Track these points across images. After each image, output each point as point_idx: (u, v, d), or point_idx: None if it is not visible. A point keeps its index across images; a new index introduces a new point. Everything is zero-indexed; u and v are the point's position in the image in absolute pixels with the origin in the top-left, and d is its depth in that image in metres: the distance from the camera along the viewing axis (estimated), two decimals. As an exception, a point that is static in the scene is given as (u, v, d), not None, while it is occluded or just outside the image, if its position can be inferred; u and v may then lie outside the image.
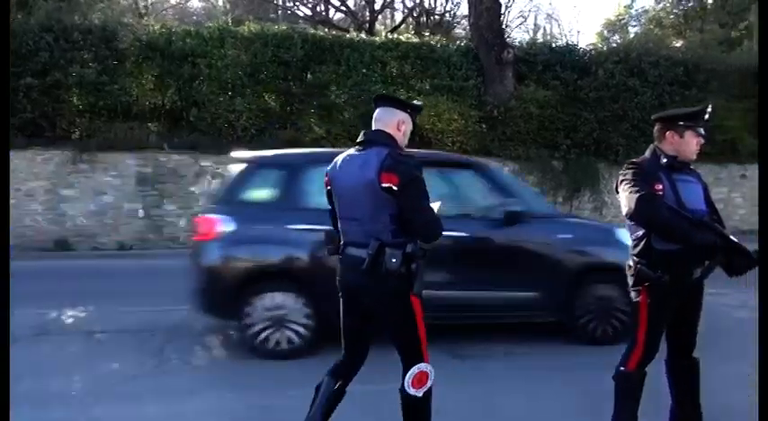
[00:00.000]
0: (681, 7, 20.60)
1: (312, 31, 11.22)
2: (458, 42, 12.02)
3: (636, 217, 2.58)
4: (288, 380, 3.70)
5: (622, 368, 2.74)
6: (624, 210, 2.62)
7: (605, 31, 22.27)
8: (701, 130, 2.74)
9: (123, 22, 11.08)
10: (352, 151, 2.60)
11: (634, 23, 22.70)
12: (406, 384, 2.42)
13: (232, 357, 4.44)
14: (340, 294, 2.62)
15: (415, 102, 2.82)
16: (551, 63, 11.42)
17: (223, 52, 10.07)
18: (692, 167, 2.81)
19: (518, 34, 21.21)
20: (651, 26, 20.78)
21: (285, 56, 10.23)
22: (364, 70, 10.71)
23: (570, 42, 13.35)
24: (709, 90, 11.63)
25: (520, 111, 10.99)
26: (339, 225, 2.62)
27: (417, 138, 10.93)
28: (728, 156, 11.91)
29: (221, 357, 4.49)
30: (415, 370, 2.42)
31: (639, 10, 22.51)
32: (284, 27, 10.71)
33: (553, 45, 12.36)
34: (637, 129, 11.03)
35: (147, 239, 9.67)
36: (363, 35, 12.20)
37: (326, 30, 11.73)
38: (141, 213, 9.71)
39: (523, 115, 11.01)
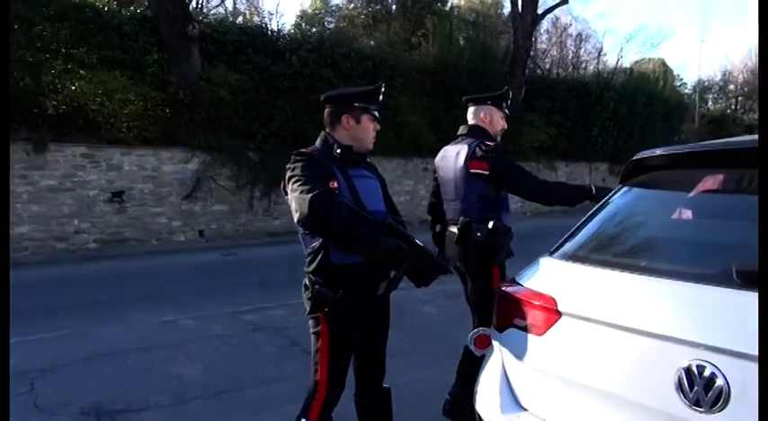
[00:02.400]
0: (370, 9, 22.34)
1: None
2: (132, 8, 10.55)
3: (309, 223, 2.06)
4: None
5: (303, 419, 2.22)
6: (295, 215, 2.08)
7: (303, 23, 22.86)
8: (377, 113, 2.38)
9: None
10: (451, 144, 3.20)
11: (330, 19, 23.84)
12: (469, 340, 2.60)
13: None
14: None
15: (500, 92, 3.26)
16: (243, 45, 10.92)
17: None
18: (368, 160, 2.43)
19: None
20: (344, 23, 22.01)
21: None
22: (0, 29, 8.53)
23: (263, 24, 13.02)
24: (395, 85, 12.55)
25: (209, 95, 10.19)
26: (444, 206, 3.21)
27: (81, 121, 9.23)
28: (412, 150, 13.04)
29: None
30: (479, 331, 2.60)
31: (334, 6, 23.74)
32: None
33: (244, 25, 11.86)
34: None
35: None
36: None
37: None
38: None
39: (214, 100, 10.24)
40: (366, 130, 2.36)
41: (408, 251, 2.11)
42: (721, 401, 1.31)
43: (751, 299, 1.37)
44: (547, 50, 22.96)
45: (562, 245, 2.08)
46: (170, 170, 9.94)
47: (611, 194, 2.21)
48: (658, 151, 2.05)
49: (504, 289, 2.02)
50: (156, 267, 8.03)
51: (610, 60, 25.48)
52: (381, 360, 2.46)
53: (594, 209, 2.19)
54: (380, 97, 2.41)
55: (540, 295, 1.84)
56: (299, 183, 2.10)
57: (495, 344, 2.04)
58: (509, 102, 3.28)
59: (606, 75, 20.25)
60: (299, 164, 2.18)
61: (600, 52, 25.51)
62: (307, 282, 2.25)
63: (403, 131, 12.38)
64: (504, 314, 1.98)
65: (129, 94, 9.37)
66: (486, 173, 2.92)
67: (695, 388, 1.36)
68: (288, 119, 11.12)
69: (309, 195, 2.02)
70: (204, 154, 10.26)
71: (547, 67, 22.33)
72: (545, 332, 1.78)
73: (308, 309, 2.24)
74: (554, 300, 1.77)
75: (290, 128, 11.15)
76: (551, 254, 2.08)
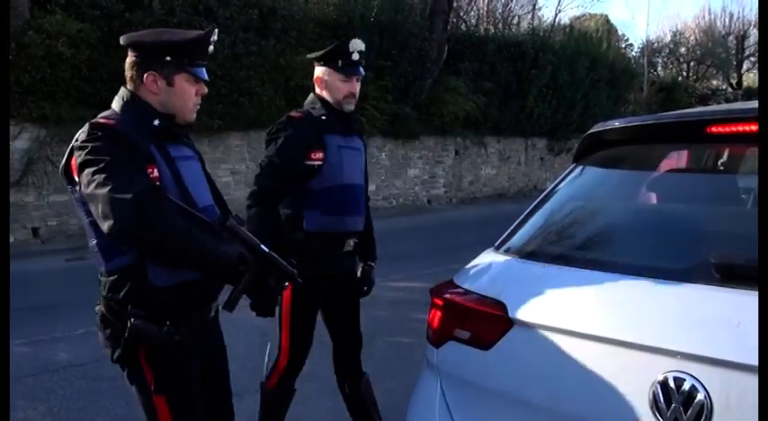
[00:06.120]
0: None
1: None
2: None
3: (130, 236, 1.78)
4: None
5: None
6: (102, 223, 1.77)
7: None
8: (204, 72, 2.08)
9: None
10: None
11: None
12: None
13: None
14: None
15: (330, 47, 2.97)
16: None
17: None
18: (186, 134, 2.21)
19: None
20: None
21: None
22: None
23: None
24: (288, 41, 12.43)
25: (42, 49, 9.67)
26: None
27: None
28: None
29: None
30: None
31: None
32: None
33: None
34: (212, 87, 10.94)
35: None
36: None
37: None
38: None
39: (48, 56, 9.74)
40: (183, 96, 2.04)
41: (253, 262, 1.87)
42: (703, 419, 1.38)
43: (733, 296, 1.45)
44: (472, 1, 23.51)
45: (509, 237, 2.12)
46: (-10, 149, 9.35)
47: (563, 174, 2.28)
48: (617, 123, 2.14)
49: (440, 293, 2.04)
50: (-27, 278, 7.54)
51: (546, 15, 26.50)
52: (227, 399, 2.30)
53: (545, 193, 2.25)
54: (210, 49, 2.09)
55: (485, 300, 1.86)
56: (103, 174, 1.77)
57: (431, 361, 2.06)
58: (353, 58, 2.93)
59: (543, 33, 21.03)
60: (99, 143, 1.84)
61: (534, 5, 26.47)
62: (107, 313, 1.95)
63: (298, 99, 12.22)
64: (442, 324, 1.99)
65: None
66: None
67: (673, 404, 1.42)
68: (149, 82, 10.75)
69: (128, 196, 1.72)
70: (37, 127, 9.81)
71: (473, 21, 22.88)
72: (493, 345, 1.81)
73: (112, 353, 1.97)
74: (503, 304, 1.80)
75: (153, 94, 10.79)
76: (496, 248, 2.11)
